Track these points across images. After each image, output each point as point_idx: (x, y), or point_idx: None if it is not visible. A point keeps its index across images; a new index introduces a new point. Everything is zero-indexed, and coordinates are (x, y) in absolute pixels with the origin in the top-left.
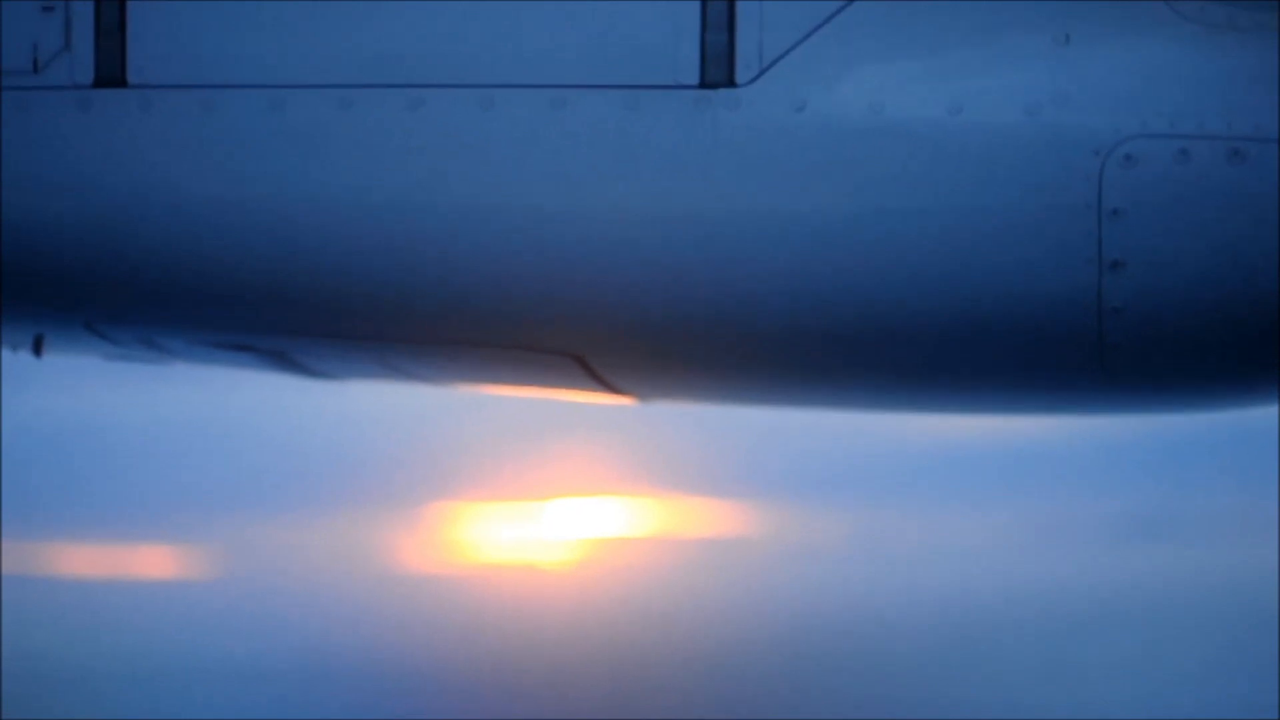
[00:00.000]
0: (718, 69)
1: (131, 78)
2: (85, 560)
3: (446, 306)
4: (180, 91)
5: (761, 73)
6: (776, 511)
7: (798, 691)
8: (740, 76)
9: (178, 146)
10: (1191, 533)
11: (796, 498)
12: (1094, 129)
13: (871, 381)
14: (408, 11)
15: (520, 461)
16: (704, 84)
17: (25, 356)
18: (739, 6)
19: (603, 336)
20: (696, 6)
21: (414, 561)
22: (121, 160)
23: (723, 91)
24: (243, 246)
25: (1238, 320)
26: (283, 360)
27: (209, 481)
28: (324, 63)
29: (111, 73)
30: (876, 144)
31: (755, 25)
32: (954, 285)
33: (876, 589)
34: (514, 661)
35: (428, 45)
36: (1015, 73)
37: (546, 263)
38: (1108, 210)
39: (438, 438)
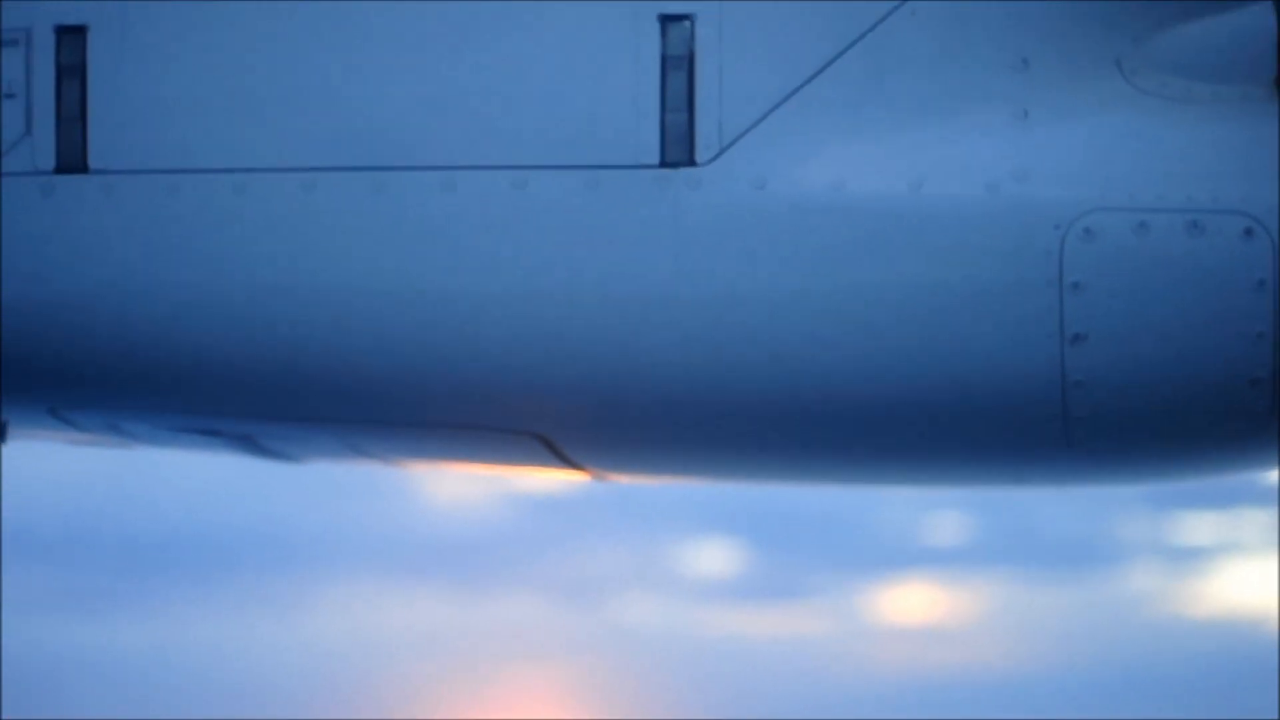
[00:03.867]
0: (678, 149)
1: (93, 163)
2: None
3: (411, 389)
4: (142, 176)
5: (721, 152)
6: None
7: None
8: (700, 156)
9: (140, 231)
10: None
11: None
12: (1054, 203)
13: (834, 456)
14: (369, 95)
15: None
16: (664, 163)
17: None
18: (698, 87)
19: (566, 416)
20: (656, 87)
21: None
22: (84, 245)
23: (683, 171)
24: (207, 331)
25: (1200, 390)
26: (248, 444)
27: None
28: (286, 146)
29: (73, 159)
30: (837, 220)
31: (714, 105)
32: (916, 359)
33: None
34: None
35: (389, 128)
36: (975, 148)
37: (510, 343)
38: (1069, 283)
39: (405, 669)
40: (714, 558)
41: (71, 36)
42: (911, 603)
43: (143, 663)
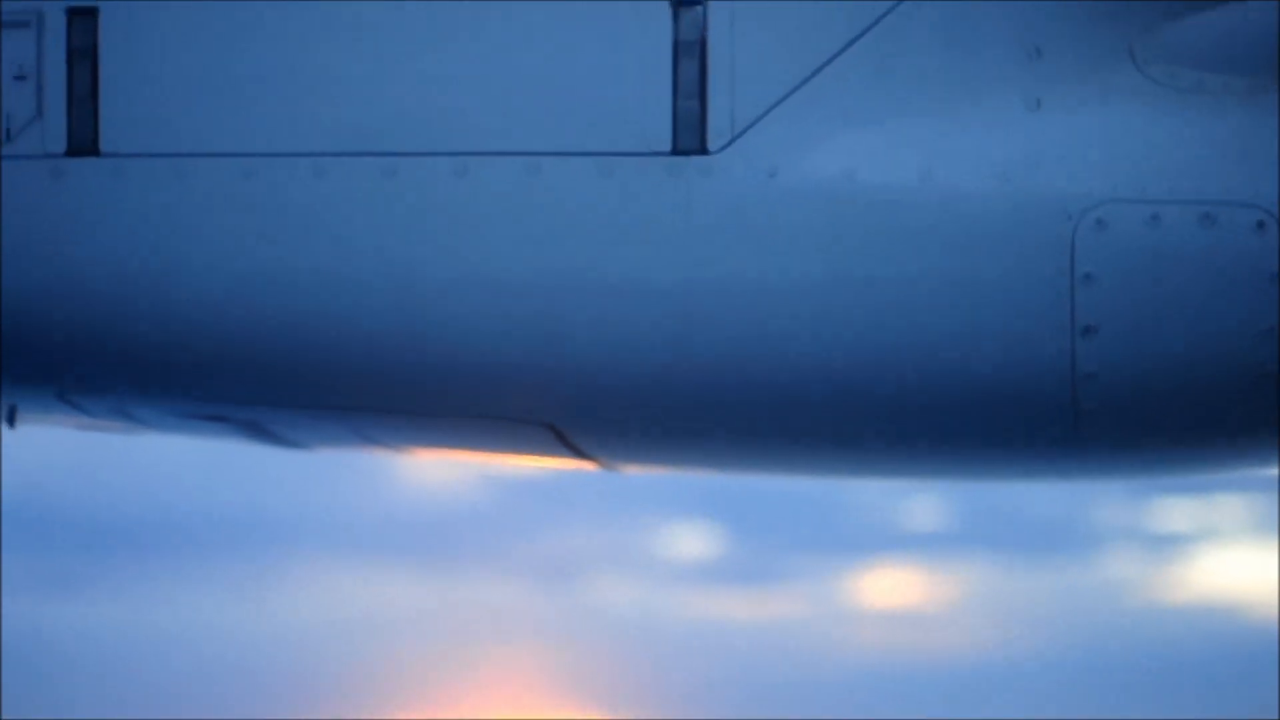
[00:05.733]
0: (690, 136)
1: (104, 146)
2: None
3: (420, 376)
4: (152, 160)
5: (733, 140)
6: None
7: None
8: (712, 144)
9: (150, 215)
10: None
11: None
12: (1066, 194)
13: (844, 448)
14: (381, 80)
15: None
16: (676, 151)
17: None
18: (710, 74)
19: (576, 405)
20: (668, 74)
21: None
22: (94, 229)
23: (695, 158)
24: (216, 316)
25: (1211, 384)
26: (256, 430)
27: None
28: (297, 131)
29: (84, 141)
30: (848, 210)
31: (726, 93)
32: (926, 351)
33: None
34: None
35: (401, 113)
36: (987, 138)
37: (520, 331)
38: (1080, 275)
39: (375, 660)
40: (691, 541)
41: (83, 19)
42: (889, 587)
43: (122, 645)
